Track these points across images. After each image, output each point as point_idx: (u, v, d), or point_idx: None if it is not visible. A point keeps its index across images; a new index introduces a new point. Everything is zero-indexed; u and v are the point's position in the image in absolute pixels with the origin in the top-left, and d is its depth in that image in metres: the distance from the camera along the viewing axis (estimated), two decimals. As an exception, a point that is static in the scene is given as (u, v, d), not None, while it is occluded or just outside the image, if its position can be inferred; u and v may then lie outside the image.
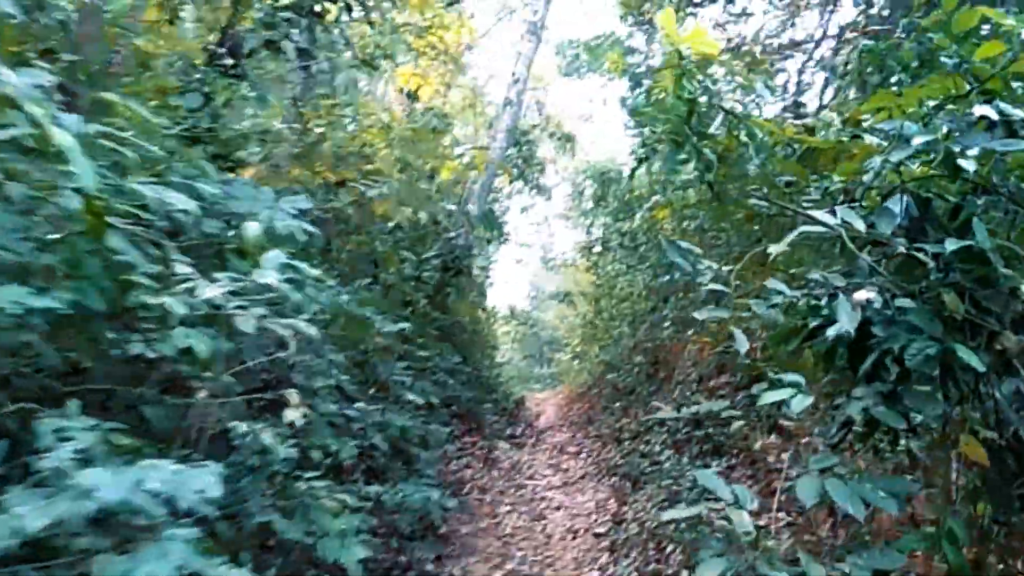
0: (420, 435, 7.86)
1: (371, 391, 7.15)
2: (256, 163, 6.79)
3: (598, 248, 20.26)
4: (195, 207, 3.14)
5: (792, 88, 13.65)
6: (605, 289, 19.15)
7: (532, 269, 33.87)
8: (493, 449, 11.20)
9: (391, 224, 9.03)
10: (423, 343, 9.08)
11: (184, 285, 2.99)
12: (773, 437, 7.00)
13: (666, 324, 12.43)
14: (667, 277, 11.90)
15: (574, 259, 23.70)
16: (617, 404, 13.61)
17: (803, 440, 6.38)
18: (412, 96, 10.70)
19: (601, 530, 7.54)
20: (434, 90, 10.04)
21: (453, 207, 10.57)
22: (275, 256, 3.27)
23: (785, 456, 6.53)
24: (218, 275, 3.10)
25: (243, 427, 3.71)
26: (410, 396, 7.02)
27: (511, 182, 15.71)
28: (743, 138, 3.31)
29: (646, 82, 13.77)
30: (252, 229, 3.38)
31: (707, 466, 7.83)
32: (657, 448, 9.26)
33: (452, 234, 10.51)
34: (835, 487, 2.30)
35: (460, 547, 7.03)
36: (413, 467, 7.60)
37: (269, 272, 3.15)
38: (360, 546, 4.66)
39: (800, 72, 10.56)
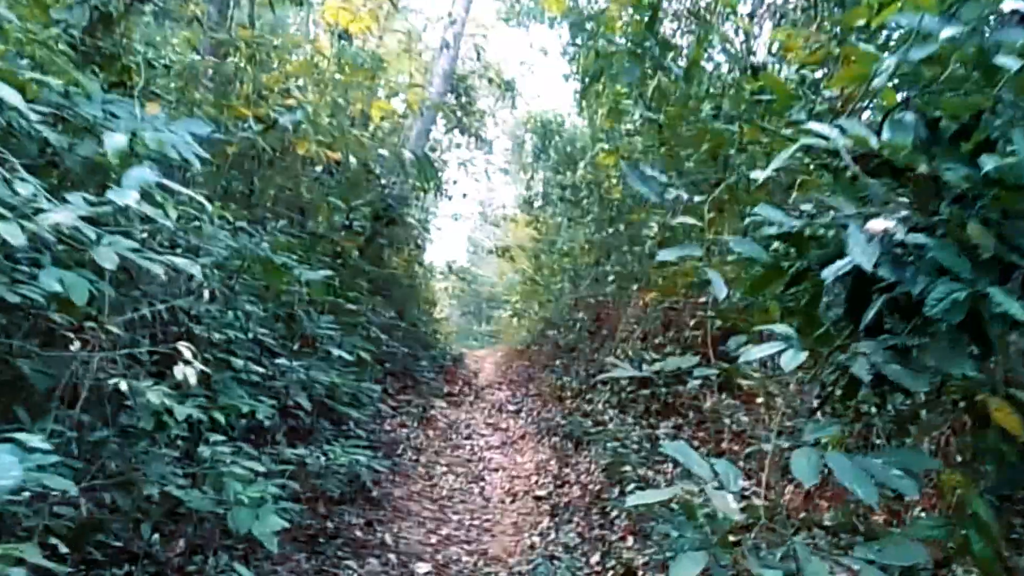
0: (350, 393, 7.35)
1: (295, 347, 6.59)
2: (162, 97, 6.11)
3: (539, 202, 19.78)
4: (25, 107, 2.53)
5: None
6: (545, 244, 18.72)
7: (471, 225, 33.27)
8: (429, 408, 10.73)
9: (318, 169, 8.40)
10: (354, 296, 8.52)
11: (36, 209, 2.39)
12: (724, 397, 6.65)
13: (609, 279, 12.04)
14: (611, 230, 11.47)
15: (514, 214, 23.18)
16: (558, 362, 13.23)
17: (758, 400, 6.03)
18: (344, 36, 9.98)
19: (542, 493, 7.14)
20: (366, 28, 9.32)
21: (386, 153, 9.94)
22: (138, 174, 2.65)
23: (741, 418, 6.19)
24: (71, 196, 2.50)
25: (124, 385, 3.13)
26: (337, 352, 6.47)
27: (448, 131, 14.98)
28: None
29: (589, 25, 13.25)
30: (116, 141, 2.75)
31: (653, 427, 7.49)
32: (600, 407, 8.90)
33: (384, 182, 9.89)
34: (839, 464, 1.85)
35: (392, 511, 6.57)
36: (342, 427, 7.09)
37: (128, 192, 2.53)
38: (276, 515, 4.16)
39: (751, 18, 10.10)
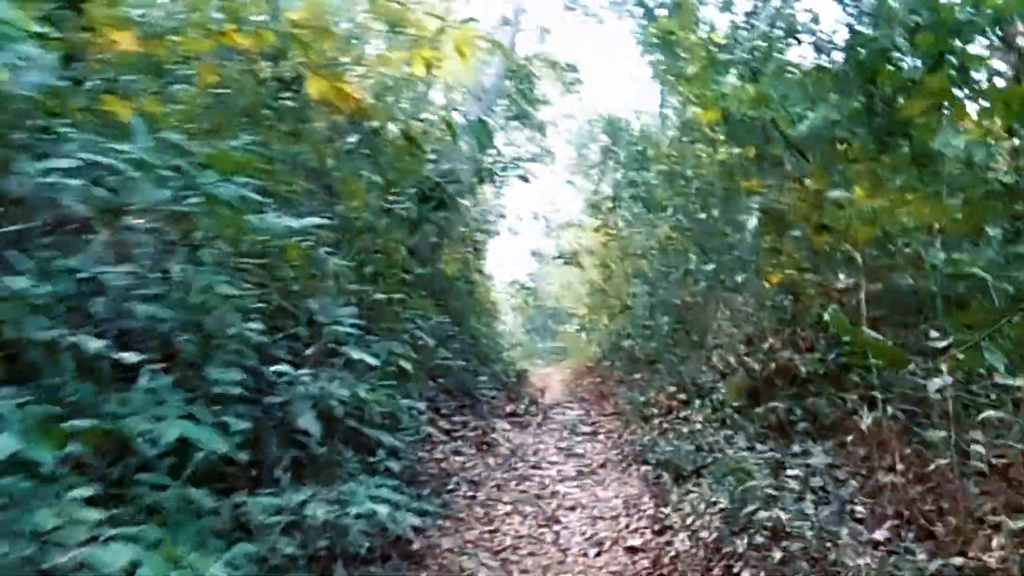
0: (386, 412, 5.75)
1: (308, 350, 5.01)
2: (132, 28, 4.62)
3: (608, 205, 18.04)
4: None
5: None
6: (617, 248, 17.00)
7: (533, 237, 31.63)
8: (489, 430, 9.07)
9: (352, 139, 6.87)
10: (395, 290, 6.95)
11: None
12: (890, 412, 4.84)
13: (697, 279, 10.27)
14: (702, 215, 9.69)
15: (580, 219, 21.50)
16: (637, 375, 11.51)
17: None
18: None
19: (636, 542, 5.41)
20: None
21: (434, 118, 8.38)
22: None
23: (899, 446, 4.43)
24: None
25: None
26: (359, 355, 4.87)
27: (508, 120, 13.35)
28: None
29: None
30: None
31: (783, 450, 5.75)
32: (700, 426, 7.16)
33: (435, 156, 8.31)
34: None
35: (440, 570, 4.90)
36: (373, 458, 5.46)
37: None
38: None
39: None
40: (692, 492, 5.72)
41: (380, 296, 6.64)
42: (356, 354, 4.85)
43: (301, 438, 4.37)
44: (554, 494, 6.72)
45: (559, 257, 18.94)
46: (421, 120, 8.23)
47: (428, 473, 6.58)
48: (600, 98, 23.72)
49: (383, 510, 4.12)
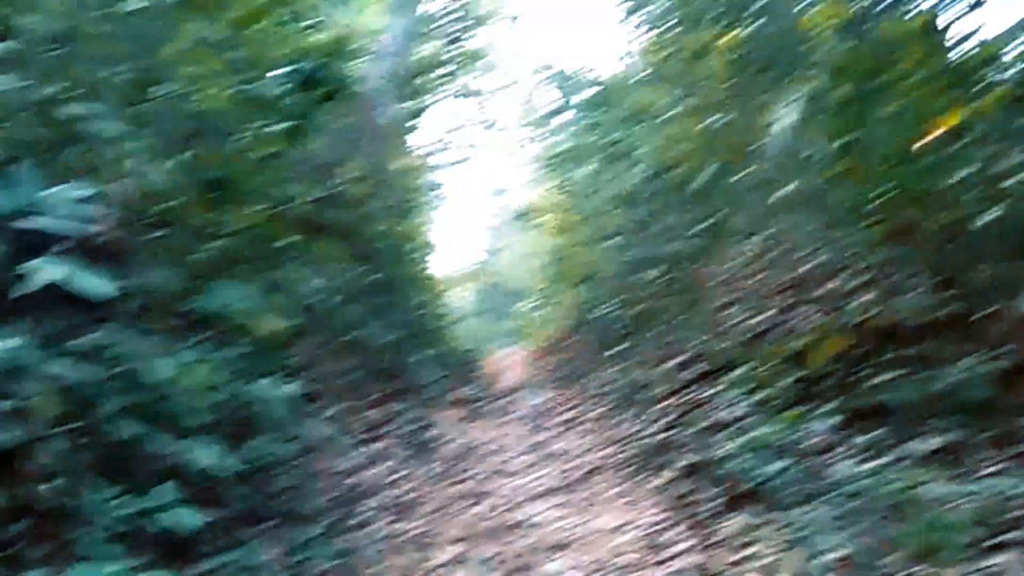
0: (225, 405, 3.32)
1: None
2: None
3: (565, 159, 15.61)
4: None
5: None
6: (577, 207, 14.67)
7: (486, 218, 29.19)
8: (426, 424, 6.64)
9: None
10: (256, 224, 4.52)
11: None
12: None
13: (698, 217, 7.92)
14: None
15: (535, 180, 19.11)
16: (617, 348, 9.13)
17: None
18: None
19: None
20: None
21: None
22: None
23: None
24: None
25: None
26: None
27: (440, 48, 10.76)
28: None
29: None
30: None
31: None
32: (742, 408, 4.81)
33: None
34: None
35: None
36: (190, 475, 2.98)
37: None
38: None
39: None
40: (750, 512, 3.34)
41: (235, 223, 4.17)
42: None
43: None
44: (528, 524, 4.28)
45: (518, 217, 16.49)
46: None
47: (324, 499, 4.11)
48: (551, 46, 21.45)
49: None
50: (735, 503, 3.74)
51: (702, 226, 7.81)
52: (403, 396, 7.42)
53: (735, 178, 6.32)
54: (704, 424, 4.86)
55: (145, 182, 3.66)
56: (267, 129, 5.11)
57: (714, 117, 6.60)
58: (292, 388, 3.62)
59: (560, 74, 16.48)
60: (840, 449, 3.85)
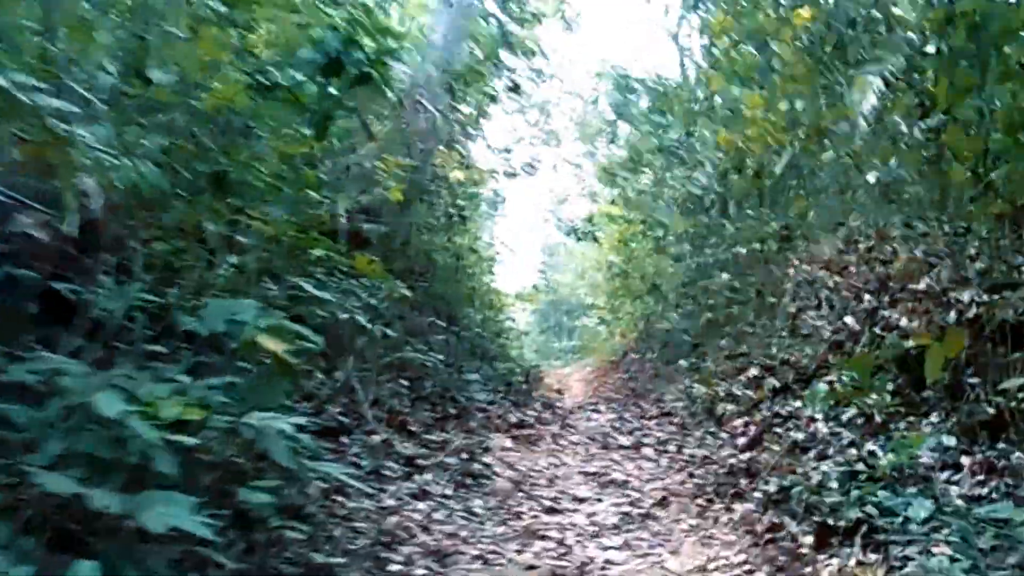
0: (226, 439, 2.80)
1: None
2: None
3: (626, 168, 14.97)
4: None
5: None
6: (639, 215, 14.04)
7: (543, 235, 28.55)
8: (481, 451, 6.07)
9: None
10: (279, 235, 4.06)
11: None
12: None
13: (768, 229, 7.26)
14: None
15: (593, 191, 18.50)
16: (681, 362, 8.49)
17: None
18: None
19: None
20: None
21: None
22: None
23: None
24: None
25: None
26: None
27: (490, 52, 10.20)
28: None
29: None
30: None
31: None
32: (825, 427, 4.15)
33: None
34: None
35: None
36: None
37: None
38: None
39: None
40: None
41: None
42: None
43: None
44: (586, 567, 3.67)
45: (571, 233, 15.88)
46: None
47: (348, 547, 3.57)
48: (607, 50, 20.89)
49: None
50: (828, 539, 3.08)
51: (777, 224, 7.15)
52: (454, 421, 6.88)
53: (813, 166, 5.64)
54: (787, 444, 4.21)
55: (127, 181, 3.18)
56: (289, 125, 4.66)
57: (787, 102, 5.91)
58: (299, 421, 3.06)
59: (620, 76, 15.93)
60: (957, 472, 3.18)
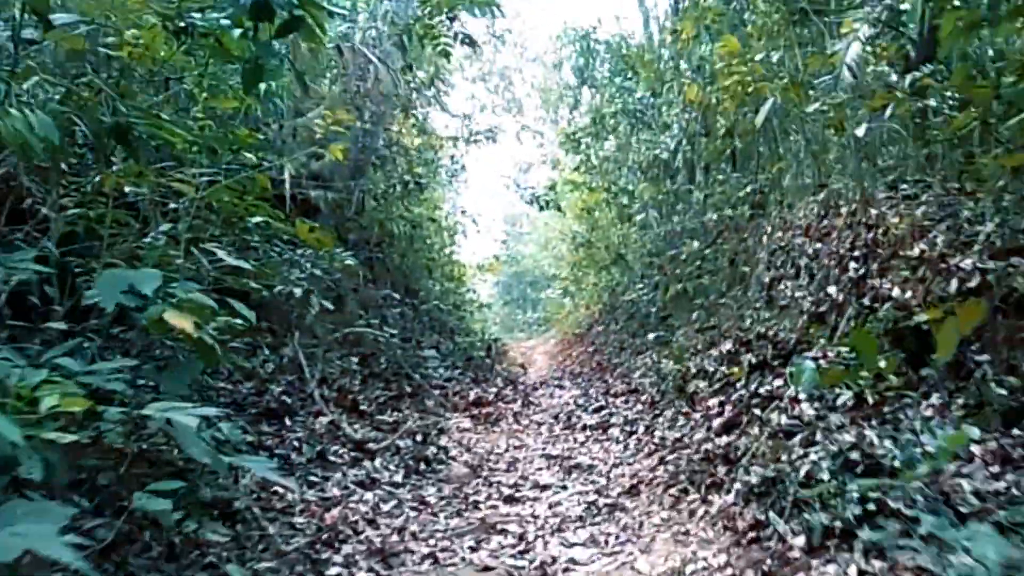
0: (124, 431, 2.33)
1: None
2: None
3: (589, 131, 14.49)
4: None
5: None
6: (606, 178, 13.59)
7: (504, 204, 28.02)
8: (436, 433, 5.66)
9: None
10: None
11: None
12: None
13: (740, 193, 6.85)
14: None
15: (555, 158, 18.02)
16: (648, 336, 8.12)
17: None
18: None
19: None
20: None
21: None
22: None
23: None
24: None
25: None
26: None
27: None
28: None
29: None
30: None
31: None
32: (810, 409, 3.79)
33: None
34: None
35: None
36: None
37: None
38: None
39: None
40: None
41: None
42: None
43: None
44: (547, 567, 3.26)
45: (533, 201, 15.42)
46: None
47: (282, 548, 3.14)
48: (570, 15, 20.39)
49: None
50: (823, 542, 2.70)
51: (750, 187, 6.76)
52: (408, 400, 6.46)
53: (792, 122, 5.22)
54: (771, 428, 3.82)
55: (13, 136, 2.69)
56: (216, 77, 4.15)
57: (764, 53, 5.45)
58: (211, 410, 2.59)
59: (582, 38, 15.37)
60: (968, 463, 2.80)
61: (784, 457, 3.37)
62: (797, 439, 3.52)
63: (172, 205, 4.45)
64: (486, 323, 16.16)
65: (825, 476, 3.03)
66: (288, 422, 4.98)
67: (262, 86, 5.93)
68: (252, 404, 4.89)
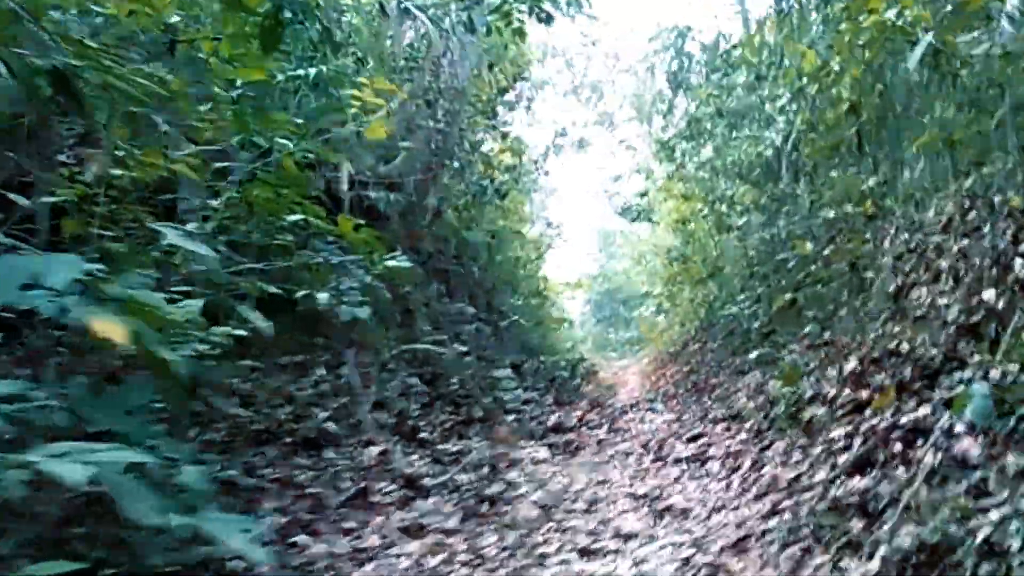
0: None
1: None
2: None
3: (684, 138, 13.62)
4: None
5: None
6: (699, 190, 12.72)
7: (598, 219, 27.23)
8: (505, 465, 4.91)
9: None
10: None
11: None
12: None
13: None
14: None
15: (648, 168, 17.17)
16: (749, 354, 7.23)
17: None
18: None
19: None
20: None
21: None
22: None
23: None
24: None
25: None
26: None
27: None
28: None
29: None
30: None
31: None
32: (974, 447, 2.84)
33: None
34: None
35: None
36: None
37: None
38: None
39: None
40: None
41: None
42: None
43: None
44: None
45: (625, 212, 14.60)
46: None
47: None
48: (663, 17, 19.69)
49: None
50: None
51: (869, 183, 5.84)
52: (478, 426, 5.74)
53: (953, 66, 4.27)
54: (920, 467, 2.94)
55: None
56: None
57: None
58: (146, 458, 1.90)
59: (677, 36, 14.52)
60: None
61: (949, 513, 2.50)
62: (963, 485, 2.65)
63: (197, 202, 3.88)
64: (575, 342, 15.39)
65: (1017, 544, 2.16)
66: (332, 453, 4.32)
67: (311, 71, 5.35)
68: (289, 432, 4.25)
